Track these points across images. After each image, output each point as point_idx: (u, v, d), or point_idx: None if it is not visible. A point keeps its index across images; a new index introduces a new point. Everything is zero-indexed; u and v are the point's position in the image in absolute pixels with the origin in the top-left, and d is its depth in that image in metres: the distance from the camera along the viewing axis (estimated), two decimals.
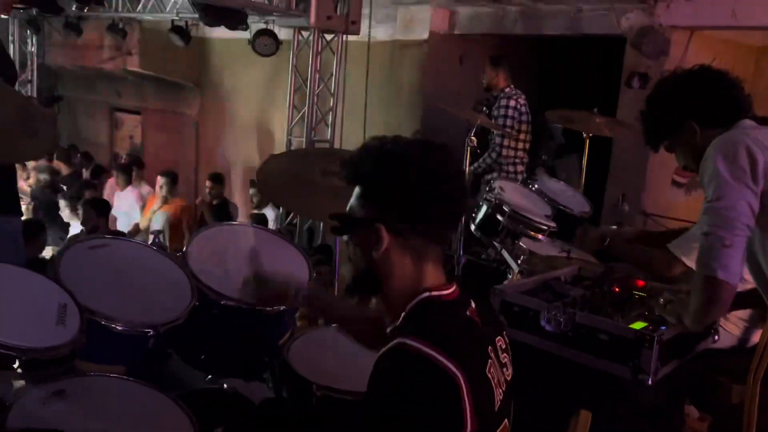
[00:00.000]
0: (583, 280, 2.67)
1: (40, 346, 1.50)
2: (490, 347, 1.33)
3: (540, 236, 3.12)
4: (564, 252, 3.16)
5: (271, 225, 5.93)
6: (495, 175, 4.75)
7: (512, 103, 4.74)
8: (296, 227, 5.77)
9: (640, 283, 2.58)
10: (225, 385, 2.26)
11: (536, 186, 3.96)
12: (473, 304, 1.37)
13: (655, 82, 2.18)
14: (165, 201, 6.23)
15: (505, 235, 3.29)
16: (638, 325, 2.15)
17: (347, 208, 1.37)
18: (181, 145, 9.27)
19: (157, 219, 6.13)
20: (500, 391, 1.32)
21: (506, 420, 1.37)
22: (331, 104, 5.65)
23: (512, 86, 4.85)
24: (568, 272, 2.73)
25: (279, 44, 6.19)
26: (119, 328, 1.79)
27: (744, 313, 2.69)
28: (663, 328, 2.12)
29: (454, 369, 1.16)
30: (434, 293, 1.32)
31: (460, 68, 6.59)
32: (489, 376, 1.27)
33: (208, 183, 6.52)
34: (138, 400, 1.74)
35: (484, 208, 3.54)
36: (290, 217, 5.88)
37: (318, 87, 5.61)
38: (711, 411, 2.89)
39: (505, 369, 1.38)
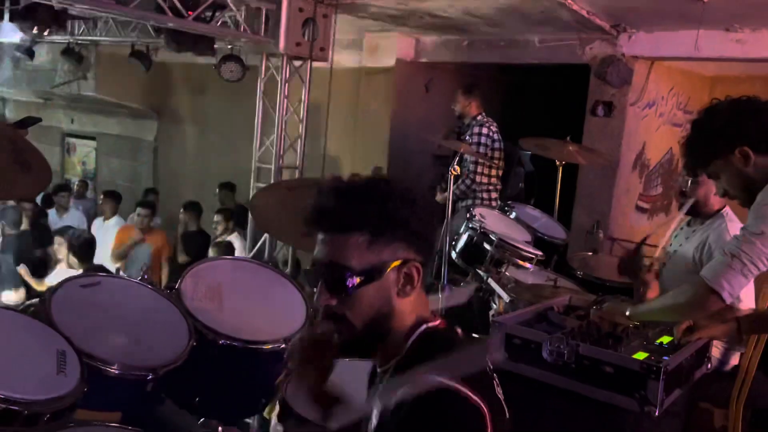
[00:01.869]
0: (575, 310, 2.67)
1: (41, 398, 1.38)
2: (489, 367, 1.30)
3: (528, 265, 3.11)
4: (550, 281, 3.17)
5: (239, 253, 5.78)
6: (470, 202, 4.75)
7: (485, 130, 4.78)
8: (264, 255, 5.65)
9: None
10: (220, 429, 2.16)
11: (514, 213, 3.99)
12: (459, 329, 1.34)
13: (703, 108, 2.16)
14: (142, 234, 5.86)
15: (491, 264, 3.28)
16: (640, 356, 2.15)
17: (341, 258, 1.23)
18: (138, 172, 9.04)
19: (140, 253, 5.74)
20: (505, 407, 1.29)
21: None
22: (300, 131, 5.58)
23: (483, 114, 4.89)
24: (560, 302, 2.73)
25: (246, 70, 6.11)
26: (117, 372, 1.68)
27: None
28: (665, 358, 2.13)
29: (481, 403, 1.15)
30: (430, 324, 1.28)
31: (425, 95, 6.63)
32: (498, 396, 1.25)
33: (182, 213, 6.33)
34: None
35: (465, 236, 3.53)
36: (258, 245, 5.75)
37: (287, 113, 5.55)
38: None
39: (498, 386, 1.35)
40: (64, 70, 8.33)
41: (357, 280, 1.22)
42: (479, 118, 4.83)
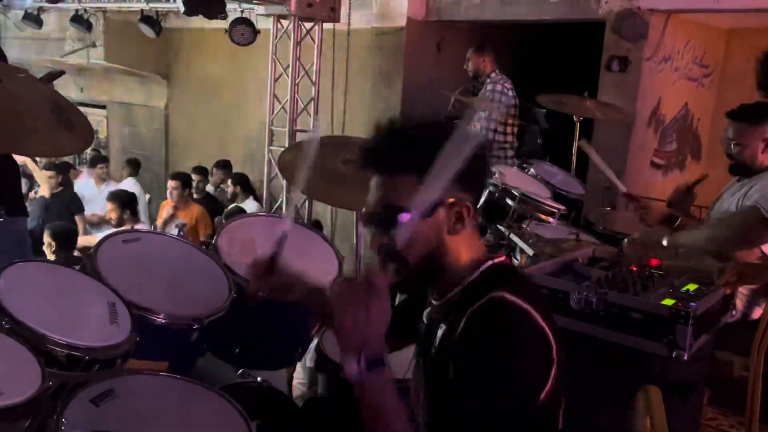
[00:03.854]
0: (599, 261, 2.71)
1: (99, 345, 1.44)
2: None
3: (551, 219, 3.14)
4: (572, 235, 3.20)
5: None
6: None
7: (499, 87, 4.77)
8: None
9: (654, 262, 2.63)
10: (258, 378, 2.22)
11: (532, 170, 4.00)
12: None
13: None
14: (176, 209, 5.70)
15: (513, 219, 3.31)
16: (668, 302, 2.19)
17: (395, 201, 1.25)
18: (149, 140, 9.05)
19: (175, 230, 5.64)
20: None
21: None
22: (313, 93, 5.57)
23: (497, 71, 4.87)
24: (584, 253, 2.76)
25: (257, 33, 6.08)
26: (164, 321, 1.73)
27: (747, 288, 2.78)
28: (692, 304, 2.17)
29: (546, 326, 1.21)
30: (497, 260, 1.34)
31: (437, 55, 6.58)
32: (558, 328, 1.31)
33: (194, 176, 6.33)
34: (188, 396, 1.69)
35: (486, 193, 3.56)
36: (274, 209, 5.80)
37: (299, 76, 5.54)
38: (711, 384, 2.98)
39: None
40: (73, 38, 8.31)
41: (409, 217, 1.24)
42: (493, 76, 4.81)
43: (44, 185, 5.93)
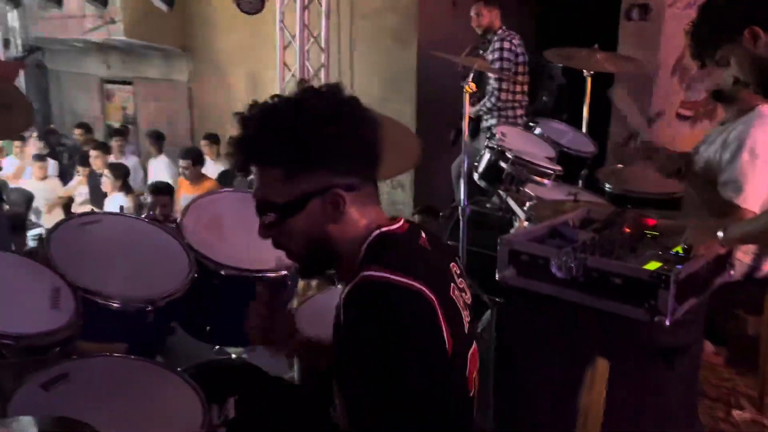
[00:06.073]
0: (592, 223, 2.59)
1: (32, 332, 1.44)
2: (447, 272, 1.30)
3: (545, 181, 3.03)
4: (571, 195, 3.09)
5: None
6: (494, 121, 4.62)
7: (506, 44, 4.59)
8: None
9: (652, 222, 2.50)
10: (233, 355, 2.23)
11: (538, 129, 3.86)
12: (423, 234, 1.32)
13: None
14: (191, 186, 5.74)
15: (510, 182, 3.21)
16: (653, 266, 2.08)
17: (264, 193, 1.23)
18: (175, 113, 9.13)
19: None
20: (466, 313, 1.29)
21: (474, 343, 1.33)
22: (322, 60, 5.49)
23: (504, 27, 4.68)
24: (577, 216, 2.65)
25: (264, 1, 6.00)
26: (116, 305, 1.73)
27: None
28: (679, 267, 2.05)
29: (425, 290, 1.13)
30: (384, 229, 1.26)
31: (453, 12, 6.37)
32: (453, 297, 1.24)
33: (203, 143, 6.38)
34: (143, 377, 1.69)
35: (486, 156, 3.45)
36: None
37: (308, 43, 5.45)
38: (727, 344, 2.86)
39: (464, 293, 1.34)
40: (93, 15, 8.37)
41: (277, 215, 1.20)
42: (500, 32, 4.63)
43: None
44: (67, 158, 8.20)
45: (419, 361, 1.09)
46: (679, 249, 2.26)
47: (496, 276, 2.33)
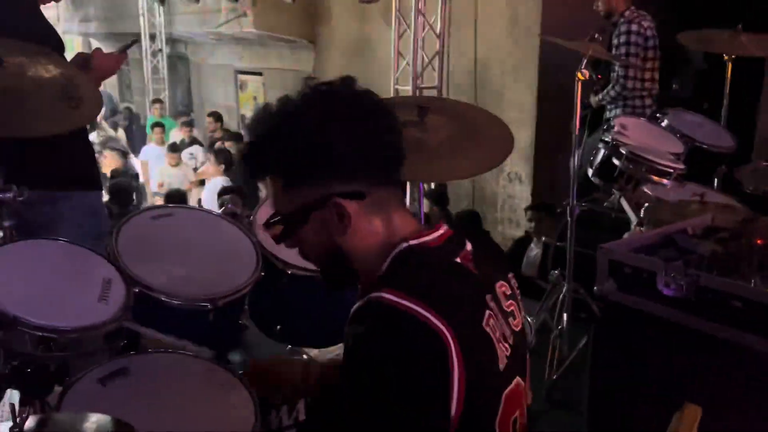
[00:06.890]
0: (717, 232, 2.24)
1: (71, 326, 1.42)
2: (488, 296, 1.11)
3: (664, 180, 2.68)
4: (696, 196, 2.71)
5: None
6: (619, 111, 4.23)
7: (634, 27, 4.15)
8: None
9: None
10: (305, 356, 2.15)
11: (666, 121, 3.46)
12: (468, 247, 1.14)
13: None
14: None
15: (625, 181, 2.89)
16: None
17: (272, 203, 1.16)
18: None
19: None
20: (505, 346, 1.09)
21: (518, 378, 1.13)
22: (437, 47, 5.31)
23: (633, 8, 4.24)
24: (699, 223, 2.31)
25: None
26: (175, 303, 1.69)
27: None
28: None
29: (437, 323, 0.97)
30: (413, 242, 1.11)
31: None
32: (487, 330, 1.06)
33: None
34: (201, 377, 1.65)
35: (601, 151, 3.14)
36: None
37: (424, 30, 5.30)
38: None
39: (511, 318, 1.14)
40: (227, 9, 8.75)
41: (281, 227, 1.14)
42: (627, 14, 4.20)
43: None
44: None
45: (399, 402, 0.95)
46: None
47: (594, 289, 2.08)
